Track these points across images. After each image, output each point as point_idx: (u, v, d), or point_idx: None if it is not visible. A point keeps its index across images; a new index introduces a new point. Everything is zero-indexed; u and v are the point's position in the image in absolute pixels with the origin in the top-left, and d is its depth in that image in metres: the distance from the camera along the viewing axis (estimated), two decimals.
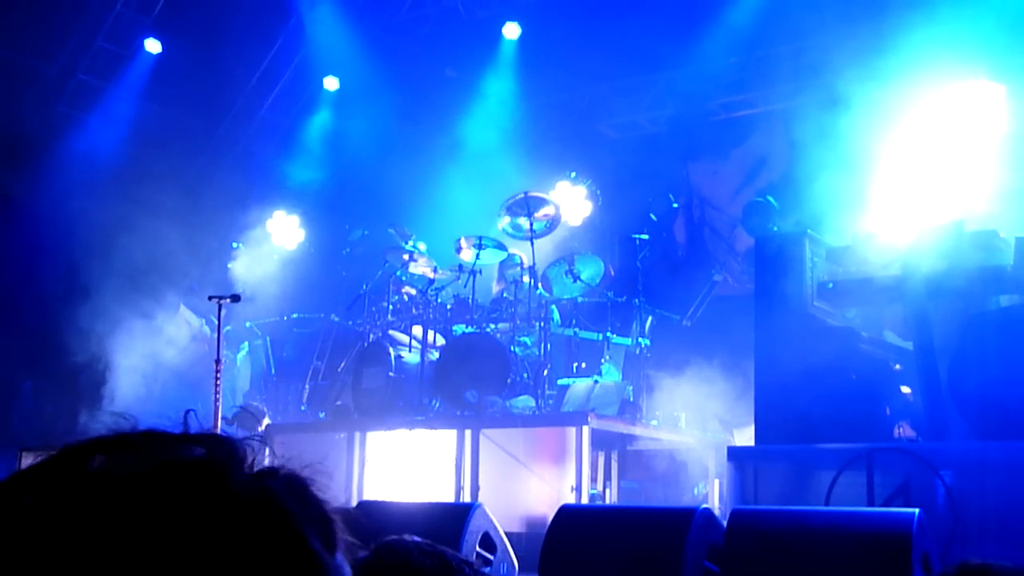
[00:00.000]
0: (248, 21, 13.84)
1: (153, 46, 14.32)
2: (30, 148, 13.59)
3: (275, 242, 14.38)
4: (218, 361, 8.82)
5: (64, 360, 12.63)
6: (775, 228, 10.24)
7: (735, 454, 8.01)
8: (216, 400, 8.82)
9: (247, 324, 13.24)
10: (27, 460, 7.18)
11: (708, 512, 5.57)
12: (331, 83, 15.32)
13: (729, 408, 9.63)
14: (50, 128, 14.07)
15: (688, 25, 12.25)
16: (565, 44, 13.08)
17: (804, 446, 7.60)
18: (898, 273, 7.65)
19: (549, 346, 10.31)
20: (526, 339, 10.36)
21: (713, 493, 9.58)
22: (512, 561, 6.56)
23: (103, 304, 12.38)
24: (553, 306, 10.75)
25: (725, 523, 5.53)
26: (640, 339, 10.72)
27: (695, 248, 13.54)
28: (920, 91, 9.10)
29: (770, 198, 11.15)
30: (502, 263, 11.18)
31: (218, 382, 8.79)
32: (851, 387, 7.75)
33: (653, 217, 12.15)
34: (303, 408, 12.29)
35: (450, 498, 9.10)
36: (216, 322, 9.13)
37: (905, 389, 8.11)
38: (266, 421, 11.35)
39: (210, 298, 9.12)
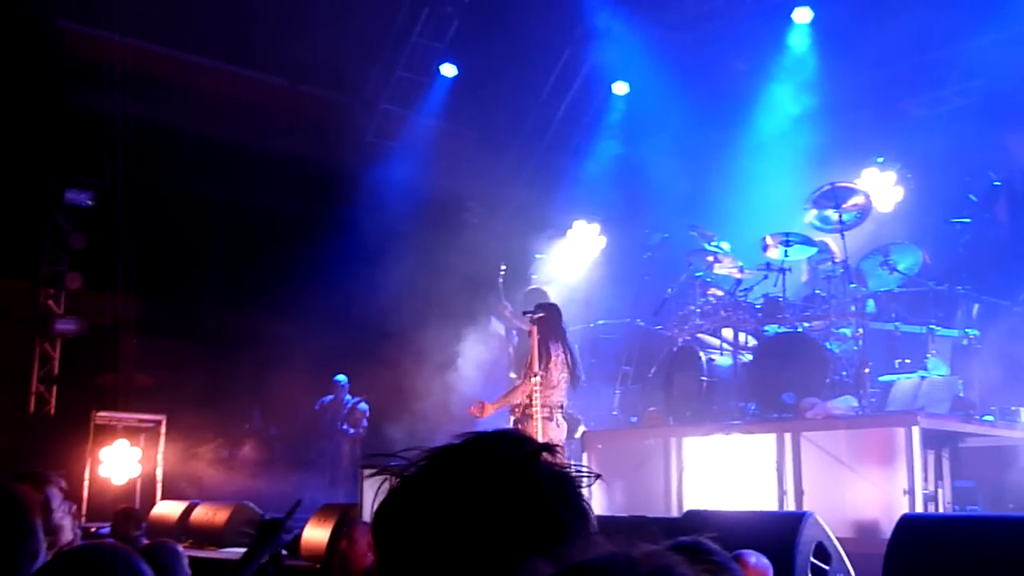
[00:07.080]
0: (536, 36, 14.10)
1: (449, 70, 14.87)
2: (345, 179, 14.42)
3: (577, 250, 14.56)
4: (535, 372, 9.01)
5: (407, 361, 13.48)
6: None
7: None
8: (531, 406, 9.04)
9: None
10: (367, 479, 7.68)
11: None
12: (621, 88, 15.36)
13: None
14: (360, 158, 14.88)
15: None
16: (860, 23, 12.49)
17: None
18: None
19: (867, 342, 9.84)
20: (845, 331, 9.92)
21: None
22: (848, 571, 6.30)
23: (421, 320, 13.07)
24: (870, 300, 10.25)
25: None
26: (967, 329, 10.06)
27: (1022, 227, 12.55)
28: None
29: None
30: (811, 258, 10.79)
31: (535, 389, 9.00)
32: None
33: (973, 198, 11.34)
34: (615, 413, 12.35)
35: (772, 504, 8.88)
36: (528, 335, 9.33)
37: None
38: (582, 428, 11.50)
39: (524, 313, 9.38)
